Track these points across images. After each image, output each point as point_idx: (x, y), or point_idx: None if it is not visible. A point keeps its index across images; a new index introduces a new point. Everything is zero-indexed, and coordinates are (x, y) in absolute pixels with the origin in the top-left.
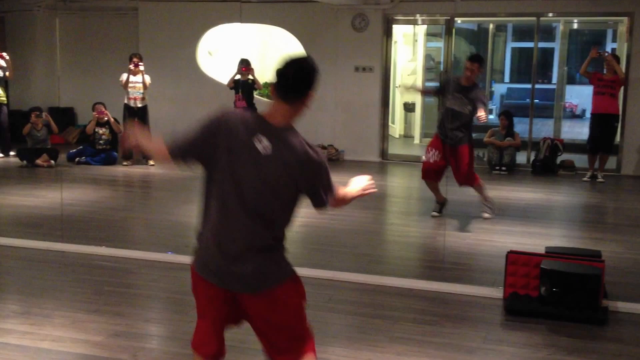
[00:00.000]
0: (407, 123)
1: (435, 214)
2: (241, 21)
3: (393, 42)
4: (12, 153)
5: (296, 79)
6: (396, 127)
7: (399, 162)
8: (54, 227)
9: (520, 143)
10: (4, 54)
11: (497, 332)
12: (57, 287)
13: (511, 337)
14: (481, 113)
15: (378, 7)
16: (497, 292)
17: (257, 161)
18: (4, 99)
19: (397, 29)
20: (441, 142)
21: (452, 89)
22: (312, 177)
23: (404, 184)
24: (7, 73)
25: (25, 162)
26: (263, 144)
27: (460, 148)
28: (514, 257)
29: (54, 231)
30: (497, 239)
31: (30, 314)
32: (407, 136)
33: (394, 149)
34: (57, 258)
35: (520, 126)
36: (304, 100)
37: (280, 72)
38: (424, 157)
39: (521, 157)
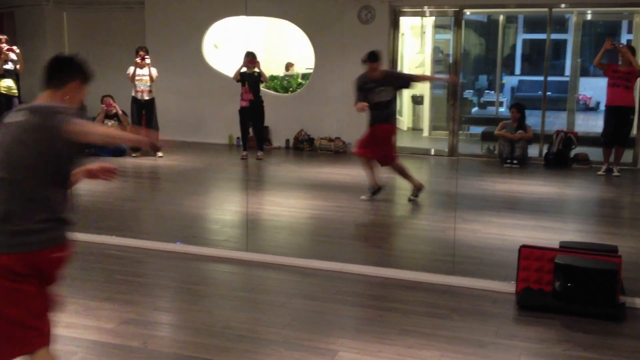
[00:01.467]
0: (416, 116)
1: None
2: (247, 14)
3: (400, 34)
4: None
5: (50, 70)
6: (404, 120)
7: (408, 155)
8: None
9: (532, 136)
10: (15, 47)
11: (509, 326)
12: (67, 275)
13: (524, 332)
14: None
15: None
16: (509, 287)
17: (6, 131)
18: (15, 91)
19: (404, 21)
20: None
21: (370, 87)
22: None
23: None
24: (17, 66)
25: None
26: (16, 117)
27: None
28: (527, 252)
29: None
30: (508, 233)
31: None
32: (416, 129)
33: (403, 141)
34: None
35: (532, 119)
36: (64, 88)
37: (45, 65)
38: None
39: (533, 150)
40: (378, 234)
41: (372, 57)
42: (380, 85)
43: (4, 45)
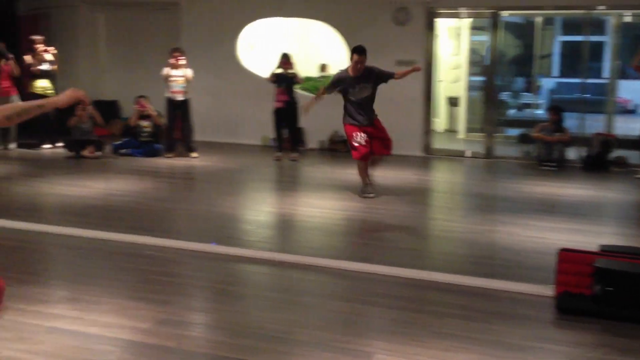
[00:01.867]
0: (451, 117)
1: (371, 195)
2: (283, 15)
3: (436, 35)
4: (59, 144)
5: None
6: (440, 122)
7: (443, 157)
8: (100, 216)
9: (569, 138)
10: (52, 48)
11: (549, 330)
12: (104, 275)
13: (563, 336)
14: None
15: (421, 1)
16: (547, 290)
17: None
18: (52, 92)
19: (440, 23)
20: (358, 127)
21: (351, 84)
22: None
23: (447, 179)
24: (53, 67)
25: (71, 152)
26: None
27: (376, 121)
28: (565, 255)
29: (100, 220)
30: (546, 236)
31: (79, 300)
32: (451, 131)
33: (438, 143)
34: (103, 246)
35: (569, 121)
36: None
37: None
38: (356, 143)
39: (571, 153)
40: (413, 236)
41: (360, 50)
42: (363, 81)
43: (40, 46)
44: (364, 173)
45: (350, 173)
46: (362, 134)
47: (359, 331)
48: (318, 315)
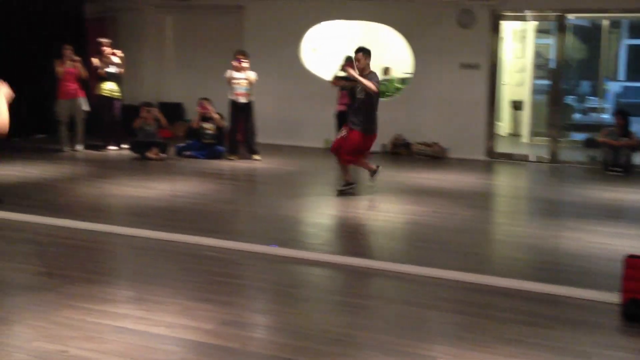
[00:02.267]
0: (515, 121)
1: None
2: (346, 18)
3: (501, 38)
4: (124, 146)
5: None
6: (503, 125)
7: (506, 161)
8: (164, 217)
9: (636, 143)
10: (119, 51)
11: (614, 337)
12: (168, 275)
13: (629, 344)
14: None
15: (485, 3)
16: (613, 297)
17: None
18: (119, 94)
19: (505, 25)
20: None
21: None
22: None
23: (511, 183)
24: (120, 70)
25: (136, 154)
26: None
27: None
28: (633, 262)
29: (164, 221)
30: (612, 242)
31: (144, 300)
32: (515, 134)
33: (501, 147)
34: (167, 247)
35: (636, 126)
36: None
37: None
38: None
39: (638, 158)
40: (476, 240)
41: (357, 49)
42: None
43: (107, 48)
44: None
45: (412, 177)
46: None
47: (422, 335)
48: (381, 318)
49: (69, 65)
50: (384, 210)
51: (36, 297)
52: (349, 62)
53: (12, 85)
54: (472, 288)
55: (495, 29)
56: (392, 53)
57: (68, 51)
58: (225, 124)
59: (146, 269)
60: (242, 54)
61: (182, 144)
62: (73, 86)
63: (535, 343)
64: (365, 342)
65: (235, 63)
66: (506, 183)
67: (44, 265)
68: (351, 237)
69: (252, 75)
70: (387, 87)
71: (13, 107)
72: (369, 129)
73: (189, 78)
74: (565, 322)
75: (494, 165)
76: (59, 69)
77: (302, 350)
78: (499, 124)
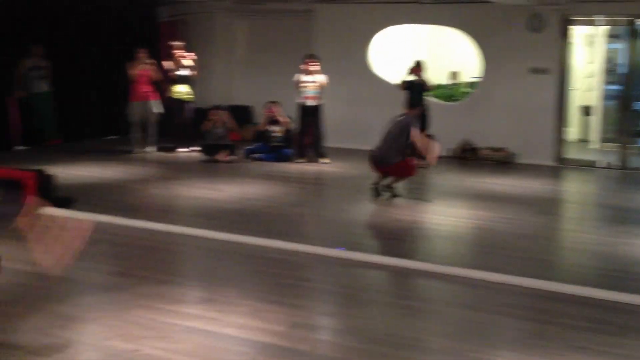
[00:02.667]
0: (584, 127)
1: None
2: (416, 22)
3: (570, 43)
4: (194, 148)
5: None
6: (572, 131)
7: (575, 167)
8: (233, 219)
9: None
10: (192, 54)
11: None
12: (238, 277)
13: None
14: None
15: (556, 8)
16: None
17: None
18: (191, 96)
19: (575, 30)
20: None
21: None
22: None
23: (580, 189)
24: (192, 72)
25: (206, 156)
26: None
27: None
28: None
29: (233, 223)
30: None
31: (215, 301)
32: (584, 140)
33: (570, 153)
34: (236, 249)
35: None
36: None
37: None
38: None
39: None
40: (543, 247)
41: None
42: None
43: (179, 51)
44: None
45: (479, 182)
46: None
47: (488, 341)
48: (447, 323)
49: (142, 68)
50: (451, 214)
51: (110, 296)
52: (416, 65)
53: (86, 87)
54: (539, 295)
55: (565, 34)
56: (460, 57)
57: (142, 54)
58: (293, 127)
59: (216, 270)
60: (311, 57)
61: (250, 147)
62: (146, 89)
63: (603, 351)
64: (431, 347)
65: (304, 66)
66: (574, 189)
67: (118, 265)
68: (417, 241)
69: (322, 78)
70: (454, 92)
71: (87, 108)
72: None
73: (258, 81)
74: (634, 330)
75: (562, 171)
76: (133, 71)
77: (370, 353)
78: (568, 129)
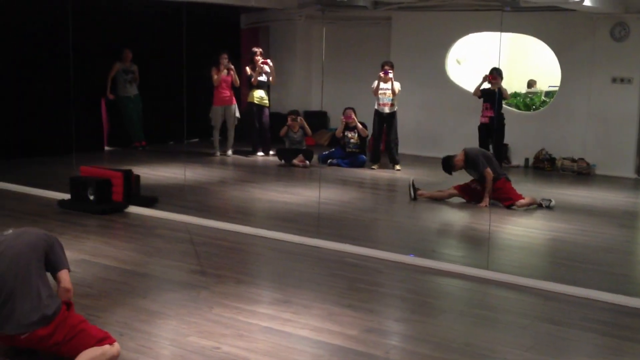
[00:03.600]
0: None
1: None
2: (495, 30)
3: None
4: (271, 152)
5: None
6: None
7: None
8: (309, 223)
9: None
10: (269, 60)
11: None
12: (313, 280)
13: None
14: None
15: None
16: None
17: None
18: (267, 102)
19: None
20: None
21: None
22: None
23: None
24: (270, 78)
25: (283, 161)
26: None
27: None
28: None
29: (309, 227)
30: None
31: (291, 303)
32: None
33: None
34: (312, 252)
35: None
36: None
37: None
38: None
39: None
40: (624, 261)
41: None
42: None
43: (259, 57)
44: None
45: (557, 192)
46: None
47: (568, 355)
48: (524, 335)
49: (225, 73)
50: (526, 225)
51: (190, 294)
52: (493, 74)
53: (170, 91)
54: (619, 310)
55: None
56: (537, 66)
57: (224, 59)
58: (368, 133)
59: (292, 272)
60: (388, 64)
61: (325, 152)
62: (228, 93)
63: None
64: (507, 358)
65: (381, 74)
66: None
67: (198, 264)
68: (493, 251)
69: (396, 85)
70: (533, 101)
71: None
72: None
73: (335, 87)
74: None
75: None
76: (216, 76)
77: None
78: None
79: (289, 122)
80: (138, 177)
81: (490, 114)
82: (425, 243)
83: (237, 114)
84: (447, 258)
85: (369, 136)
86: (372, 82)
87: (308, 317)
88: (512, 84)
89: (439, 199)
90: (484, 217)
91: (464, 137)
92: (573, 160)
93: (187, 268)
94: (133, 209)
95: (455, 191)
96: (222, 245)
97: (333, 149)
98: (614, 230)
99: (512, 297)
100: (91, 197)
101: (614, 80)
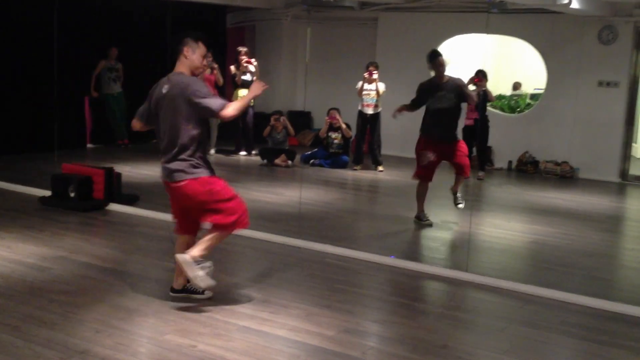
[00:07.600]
0: None
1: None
2: (481, 32)
3: None
4: (254, 152)
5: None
6: (639, 147)
7: None
8: (290, 223)
9: None
10: (253, 60)
11: None
12: (293, 280)
13: None
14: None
15: (629, 19)
16: None
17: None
18: (251, 101)
19: None
20: (432, 143)
21: (432, 91)
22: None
23: None
24: (254, 78)
25: (265, 161)
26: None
27: (458, 144)
28: None
29: (290, 227)
30: None
31: (269, 303)
32: None
33: (636, 169)
34: (293, 252)
35: None
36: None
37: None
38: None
39: None
40: (605, 265)
41: (437, 54)
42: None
43: (244, 57)
44: (419, 197)
45: (539, 196)
46: (430, 154)
47: (545, 359)
48: (503, 338)
49: (208, 72)
50: (508, 228)
51: (168, 292)
52: (478, 76)
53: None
54: (599, 314)
55: (638, 46)
56: (522, 68)
57: (208, 58)
58: (352, 134)
59: (272, 272)
60: (373, 65)
61: (308, 152)
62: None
63: None
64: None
65: (366, 74)
66: (638, 207)
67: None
68: (473, 253)
69: (381, 86)
70: (518, 103)
71: None
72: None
73: (320, 88)
74: None
75: (628, 189)
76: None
77: None
78: (635, 145)
79: (272, 122)
80: (119, 174)
81: (474, 116)
82: (405, 245)
83: None
84: (427, 260)
85: (352, 137)
86: (357, 83)
87: (286, 317)
88: (498, 86)
89: (424, 193)
90: (464, 220)
91: None
92: (556, 164)
93: (166, 266)
94: (114, 207)
95: (420, 177)
96: None
97: (316, 149)
98: (595, 234)
99: (491, 299)
100: (72, 194)
101: (600, 83)
